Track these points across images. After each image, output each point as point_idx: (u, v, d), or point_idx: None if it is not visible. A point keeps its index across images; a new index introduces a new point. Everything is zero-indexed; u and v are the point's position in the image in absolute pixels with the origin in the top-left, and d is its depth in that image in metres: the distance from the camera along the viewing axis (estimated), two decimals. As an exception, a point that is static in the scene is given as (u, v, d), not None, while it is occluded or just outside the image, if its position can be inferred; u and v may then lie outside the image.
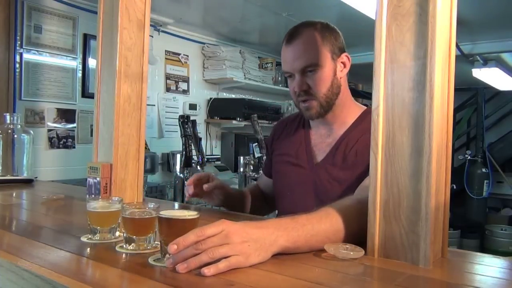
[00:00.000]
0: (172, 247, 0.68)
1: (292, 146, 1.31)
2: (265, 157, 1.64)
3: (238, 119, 3.71)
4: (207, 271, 0.67)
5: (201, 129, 3.82)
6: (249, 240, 0.72)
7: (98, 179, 1.24)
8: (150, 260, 0.77)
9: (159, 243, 0.78)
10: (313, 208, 0.92)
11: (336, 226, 0.84)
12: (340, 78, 1.23)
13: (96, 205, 0.93)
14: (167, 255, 0.73)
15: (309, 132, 1.30)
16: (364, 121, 1.20)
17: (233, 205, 1.34)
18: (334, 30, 1.26)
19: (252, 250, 0.72)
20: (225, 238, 0.70)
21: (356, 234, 0.84)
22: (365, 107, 1.30)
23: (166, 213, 0.78)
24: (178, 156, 3.40)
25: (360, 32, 3.39)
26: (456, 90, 0.83)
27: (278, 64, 4.70)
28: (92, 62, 3.00)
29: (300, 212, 0.84)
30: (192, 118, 3.40)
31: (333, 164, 1.20)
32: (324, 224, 0.83)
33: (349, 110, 1.25)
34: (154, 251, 0.82)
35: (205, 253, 0.68)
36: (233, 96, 4.21)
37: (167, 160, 3.54)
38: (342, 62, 1.24)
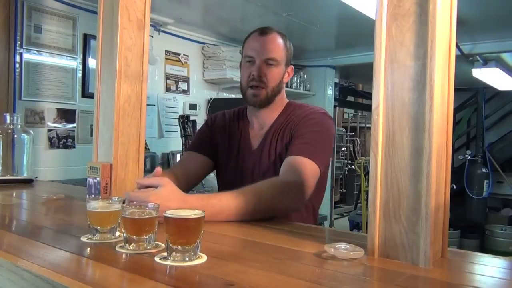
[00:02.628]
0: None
1: (235, 139, 1.54)
2: (197, 135, 1.71)
3: (238, 119, 3.70)
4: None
5: (201, 129, 3.81)
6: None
7: (98, 179, 1.24)
8: (157, 259, 0.77)
9: (166, 242, 0.78)
10: None
11: (242, 202, 1.09)
12: (284, 82, 1.49)
13: (96, 205, 0.93)
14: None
15: (247, 127, 1.54)
16: (284, 114, 1.48)
17: None
18: (291, 44, 1.50)
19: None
20: None
21: (266, 210, 1.14)
22: (288, 101, 1.53)
23: (171, 213, 0.78)
24: (178, 156, 3.41)
25: (360, 32, 3.40)
26: (456, 90, 0.83)
27: (278, 64, 4.71)
28: (92, 62, 3.00)
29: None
30: (192, 118, 3.41)
31: (265, 149, 1.45)
32: (230, 200, 1.09)
33: (278, 107, 1.50)
34: (155, 251, 0.82)
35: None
36: (233, 96, 4.20)
37: (167, 160, 3.54)
38: (288, 71, 1.50)
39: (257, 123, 1.51)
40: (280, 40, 1.44)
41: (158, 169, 1.18)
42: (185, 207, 0.87)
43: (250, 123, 1.53)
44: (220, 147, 1.56)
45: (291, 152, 1.31)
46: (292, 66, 1.51)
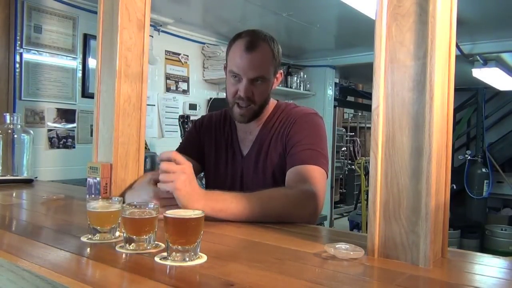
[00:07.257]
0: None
1: (223, 143, 1.51)
2: (184, 138, 1.68)
3: (238, 119, 3.71)
4: None
5: (201, 129, 3.81)
6: None
7: (98, 179, 1.24)
8: (157, 259, 0.77)
9: (166, 242, 0.78)
10: None
11: (246, 205, 1.07)
12: (272, 89, 1.43)
13: (96, 205, 0.93)
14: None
15: (236, 131, 1.50)
16: (274, 117, 1.44)
17: None
18: (279, 47, 1.41)
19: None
20: None
21: (271, 217, 1.10)
22: (276, 102, 1.49)
23: (172, 213, 0.78)
24: (178, 156, 3.41)
25: (360, 32, 3.40)
26: (456, 90, 0.83)
27: (278, 64, 4.71)
28: (92, 62, 3.00)
29: None
30: (192, 118, 3.41)
31: (256, 156, 1.43)
32: (238, 202, 1.07)
33: (266, 113, 1.45)
34: (155, 251, 0.82)
35: None
36: (233, 96, 4.20)
37: (167, 160, 3.53)
38: (276, 78, 1.43)
39: (246, 128, 1.47)
40: (268, 52, 1.35)
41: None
42: (206, 210, 0.92)
43: (237, 127, 1.49)
44: (207, 151, 1.53)
45: (295, 161, 1.28)
46: (281, 71, 1.44)
